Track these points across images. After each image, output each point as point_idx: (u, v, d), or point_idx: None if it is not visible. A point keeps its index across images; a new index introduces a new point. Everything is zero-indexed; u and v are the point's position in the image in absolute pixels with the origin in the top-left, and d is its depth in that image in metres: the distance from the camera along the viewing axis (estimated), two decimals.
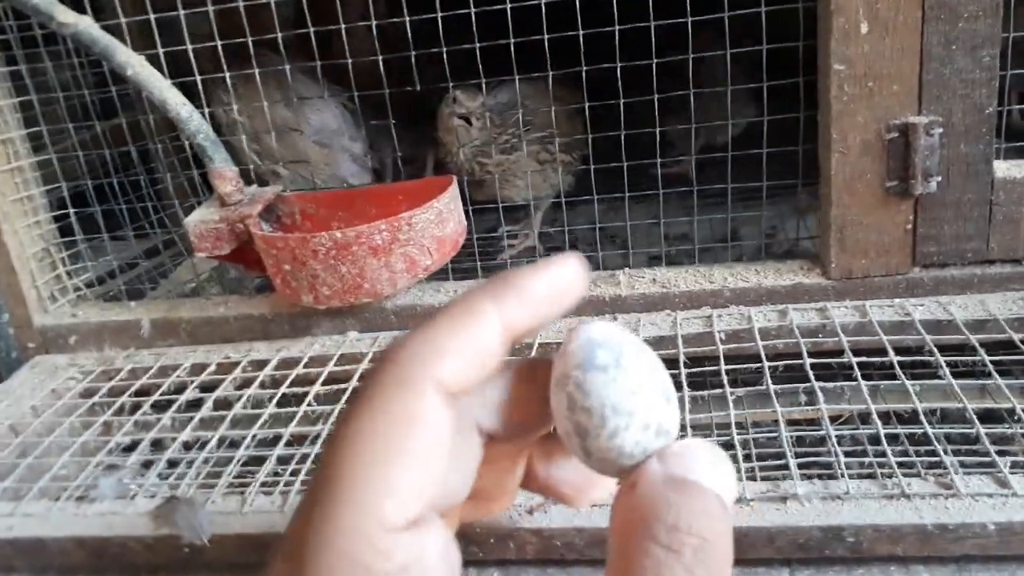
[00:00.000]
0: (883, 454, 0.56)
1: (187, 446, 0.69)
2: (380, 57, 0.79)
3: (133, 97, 0.97)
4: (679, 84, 0.77)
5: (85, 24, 0.74)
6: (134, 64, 0.75)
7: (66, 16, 0.73)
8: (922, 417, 0.58)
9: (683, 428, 0.60)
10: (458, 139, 0.95)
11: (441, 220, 0.76)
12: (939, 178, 0.70)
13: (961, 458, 0.57)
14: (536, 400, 0.30)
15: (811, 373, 0.64)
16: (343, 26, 0.79)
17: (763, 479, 0.56)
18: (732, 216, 0.83)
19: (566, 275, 0.30)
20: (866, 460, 0.60)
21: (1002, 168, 0.70)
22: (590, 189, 0.84)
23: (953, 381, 0.61)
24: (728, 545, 0.25)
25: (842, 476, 0.54)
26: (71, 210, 0.90)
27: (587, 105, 0.85)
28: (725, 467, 0.27)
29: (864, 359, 0.65)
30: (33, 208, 0.88)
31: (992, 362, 0.63)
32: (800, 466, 0.57)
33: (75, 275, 0.92)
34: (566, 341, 0.29)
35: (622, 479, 0.28)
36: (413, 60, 0.79)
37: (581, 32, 0.75)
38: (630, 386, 0.27)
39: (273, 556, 0.27)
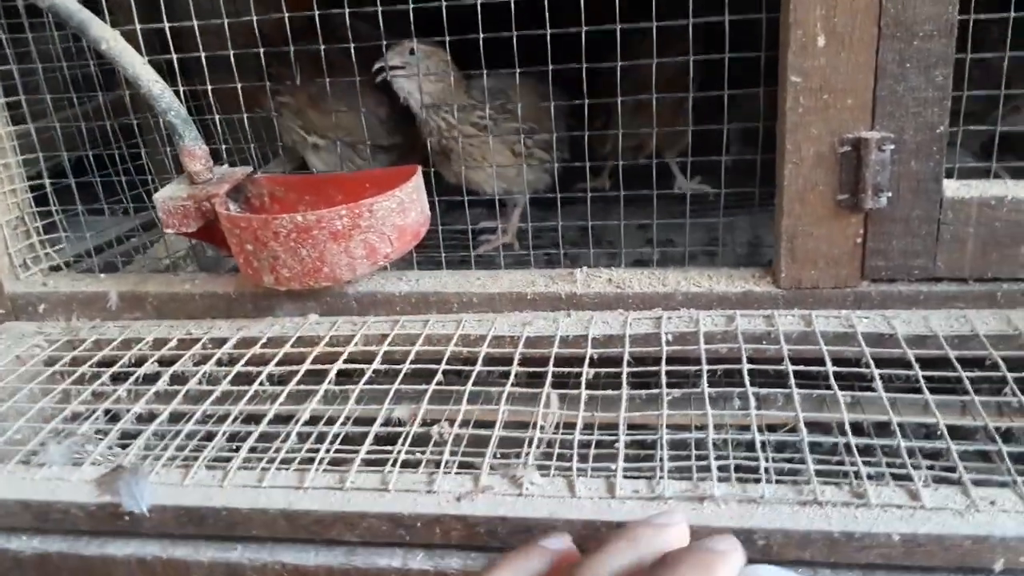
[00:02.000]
0: (803, 461, 0.57)
1: (140, 418, 0.71)
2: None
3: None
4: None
5: None
6: (108, 39, 0.76)
7: None
8: (847, 427, 0.60)
9: (617, 427, 0.62)
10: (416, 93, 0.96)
11: (403, 209, 0.77)
12: (889, 194, 0.71)
13: (879, 469, 0.58)
14: None
15: (747, 379, 0.65)
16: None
17: (685, 479, 0.57)
18: (723, 221, 0.84)
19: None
20: (787, 467, 0.61)
21: (951, 187, 0.71)
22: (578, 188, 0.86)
23: (884, 394, 0.63)
24: None
25: (761, 481, 0.55)
26: (46, 180, 0.92)
27: (585, 103, 0.87)
28: None
29: (802, 368, 0.67)
30: (9, 176, 0.89)
31: (925, 378, 0.64)
32: (723, 468, 0.59)
33: (50, 245, 0.94)
34: None
35: None
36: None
37: (555, 30, 0.76)
38: None
39: None
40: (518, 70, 0.80)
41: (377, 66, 0.96)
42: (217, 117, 0.88)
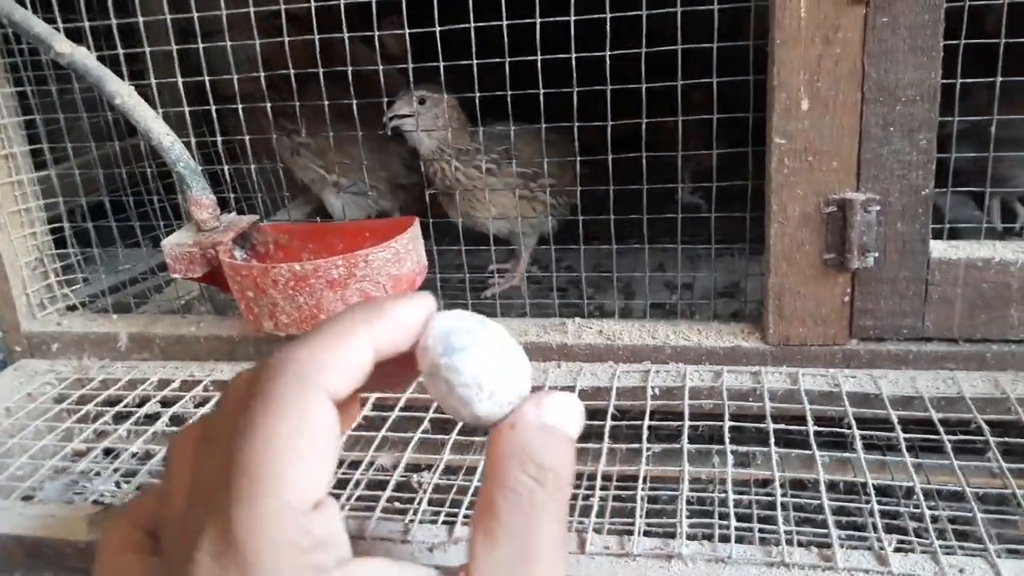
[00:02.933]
0: (773, 520, 0.57)
1: (135, 457, 0.73)
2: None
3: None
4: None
5: (81, 55, 0.80)
6: (123, 93, 0.80)
7: (63, 46, 0.79)
8: (822, 487, 0.60)
9: (595, 479, 0.63)
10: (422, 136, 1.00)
11: (398, 259, 0.80)
12: (876, 254, 0.71)
13: (850, 531, 0.58)
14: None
15: (727, 437, 0.66)
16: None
17: (656, 535, 0.57)
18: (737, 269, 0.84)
19: (420, 304, 0.36)
20: (755, 527, 0.61)
21: (939, 248, 0.72)
22: (596, 234, 0.87)
23: (862, 455, 0.63)
24: (571, 472, 0.33)
25: (730, 540, 0.56)
26: (65, 224, 0.96)
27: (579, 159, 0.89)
28: (578, 413, 0.35)
29: (783, 427, 0.67)
30: (30, 220, 0.93)
31: (909, 439, 0.64)
32: (698, 526, 0.59)
33: (67, 285, 0.97)
34: (422, 339, 0.35)
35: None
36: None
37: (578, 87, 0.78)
38: (490, 353, 0.33)
39: (178, 545, 0.30)
40: (543, 125, 0.82)
41: (386, 118, 0.99)
42: (226, 167, 0.91)
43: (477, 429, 0.71)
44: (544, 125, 0.83)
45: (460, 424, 0.71)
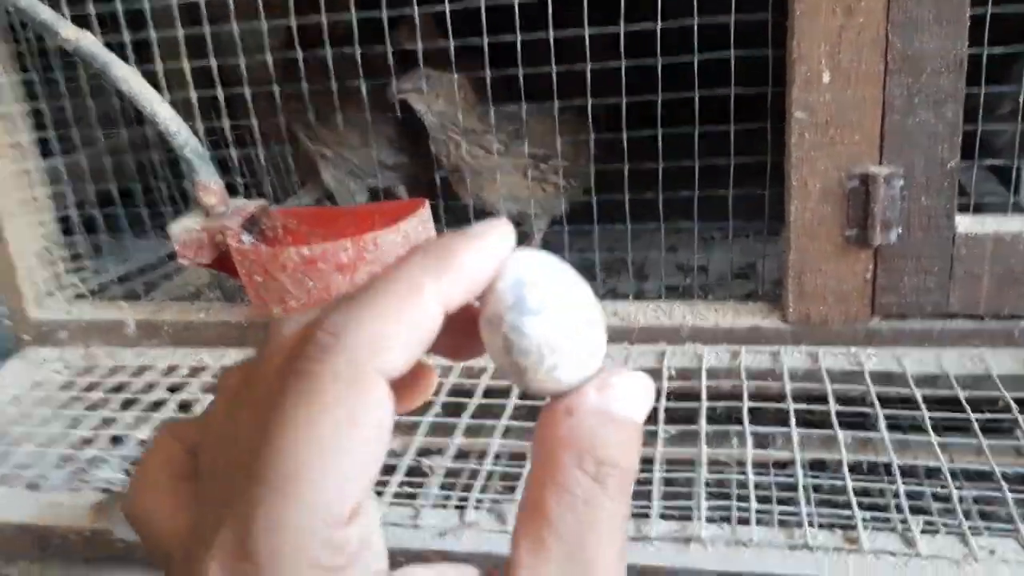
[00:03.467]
0: (794, 502, 0.55)
1: (143, 444, 0.72)
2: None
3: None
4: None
5: (87, 41, 0.79)
6: (129, 79, 0.79)
7: (68, 32, 0.78)
8: (844, 468, 0.58)
9: None
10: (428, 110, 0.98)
11: (408, 242, 0.78)
12: (899, 229, 0.69)
13: (878, 513, 0.56)
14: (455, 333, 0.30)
15: (746, 417, 0.64)
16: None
17: (675, 519, 0.56)
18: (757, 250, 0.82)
19: (498, 245, 0.29)
20: (774, 508, 0.59)
21: (964, 223, 0.70)
22: (611, 215, 0.86)
23: (886, 434, 0.61)
24: (637, 467, 0.28)
25: (751, 523, 0.54)
26: (73, 212, 0.95)
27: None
28: (647, 396, 0.28)
29: (804, 406, 0.65)
30: (37, 208, 0.92)
31: (934, 419, 0.62)
32: (717, 508, 0.57)
33: (74, 273, 0.96)
34: (496, 278, 0.28)
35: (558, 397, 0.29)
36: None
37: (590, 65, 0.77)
38: (564, 323, 0.28)
39: (193, 555, 0.26)
40: (556, 103, 0.80)
41: (392, 90, 0.97)
42: (234, 152, 0.90)
43: (486, 416, 0.70)
44: (557, 103, 0.81)
45: (471, 409, 0.70)
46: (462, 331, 0.30)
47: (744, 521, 0.55)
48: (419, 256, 0.27)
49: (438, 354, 0.31)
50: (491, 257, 0.28)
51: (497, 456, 0.64)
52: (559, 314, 0.28)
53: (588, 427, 0.27)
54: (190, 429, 0.30)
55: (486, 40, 0.78)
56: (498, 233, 0.28)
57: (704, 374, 0.71)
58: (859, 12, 0.65)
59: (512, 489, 0.63)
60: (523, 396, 0.71)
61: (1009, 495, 0.55)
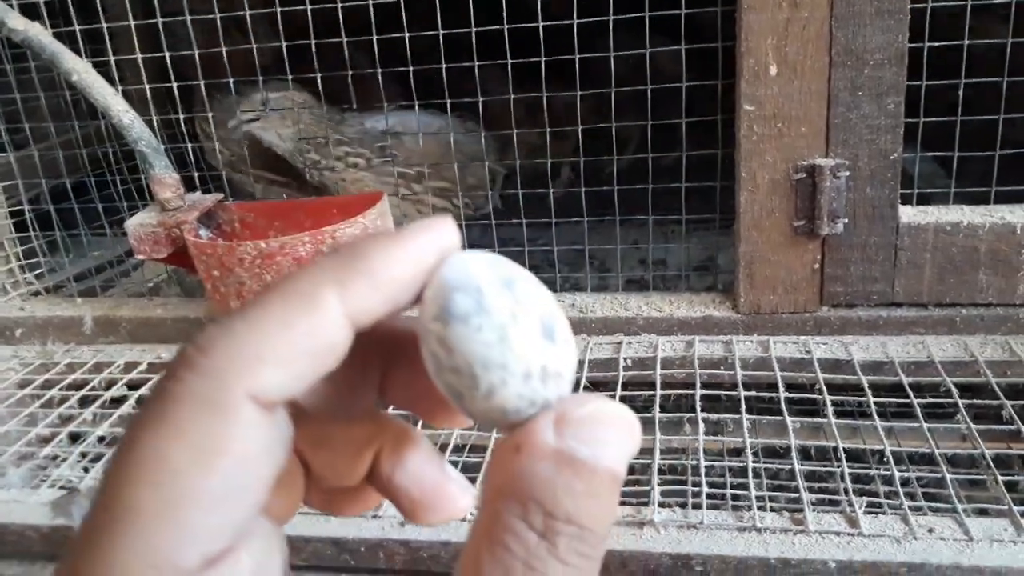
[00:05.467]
0: (746, 487, 0.57)
1: (102, 440, 0.72)
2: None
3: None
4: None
5: (35, 31, 0.78)
6: (79, 70, 0.78)
7: (16, 22, 0.77)
8: (794, 453, 0.60)
9: None
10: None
11: (367, 235, 0.78)
12: (845, 220, 0.71)
13: (824, 496, 0.58)
14: (352, 366, 0.24)
15: (699, 405, 0.65)
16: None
17: (628, 504, 0.57)
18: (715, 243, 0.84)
19: (426, 246, 0.24)
20: (727, 492, 0.61)
21: (908, 213, 0.72)
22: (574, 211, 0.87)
23: (833, 420, 0.63)
24: (608, 524, 0.22)
25: (702, 507, 0.56)
26: (26, 207, 0.94)
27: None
28: (632, 440, 0.23)
29: (755, 394, 0.67)
30: None
31: (879, 403, 0.65)
32: (670, 494, 0.59)
33: (30, 270, 0.95)
34: (426, 287, 0.24)
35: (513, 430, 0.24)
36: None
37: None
38: (505, 335, 0.22)
39: None
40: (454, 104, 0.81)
41: (231, 124, 0.96)
42: (190, 145, 0.90)
43: None
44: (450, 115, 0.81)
45: None
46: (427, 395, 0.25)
47: (697, 507, 0.56)
48: (324, 260, 0.23)
49: (414, 412, 0.28)
50: (413, 260, 0.23)
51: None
52: (497, 323, 0.22)
53: (537, 471, 0.22)
54: None
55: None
56: (429, 233, 0.24)
57: (659, 363, 0.72)
58: (804, 6, 0.67)
59: (475, 480, 0.64)
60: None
61: (949, 477, 0.57)
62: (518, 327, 0.22)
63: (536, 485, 0.21)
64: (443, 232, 0.24)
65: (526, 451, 0.22)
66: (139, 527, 0.20)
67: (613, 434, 0.22)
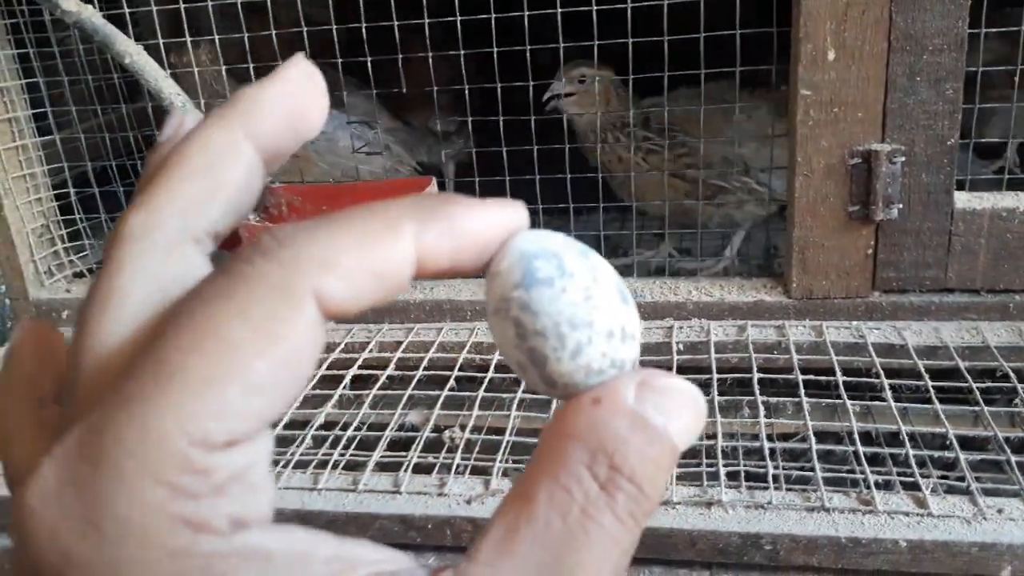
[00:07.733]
0: (812, 469, 0.57)
1: None
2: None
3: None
4: None
5: (88, 13, 0.78)
6: (132, 52, 0.78)
7: (69, 4, 0.77)
8: (856, 436, 0.60)
9: None
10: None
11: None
12: (900, 205, 0.71)
13: (888, 478, 0.58)
14: None
15: (757, 388, 0.66)
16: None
17: (694, 485, 0.58)
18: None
19: (502, 216, 0.24)
20: (795, 475, 0.61)
21: (962, 199, 0.72)
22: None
23: (893, 404, 0.63)
24: (661, 495, 0.22)
25: (769, 487, 0.56)
26: (71, 189, 0.94)
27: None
28: (698, 423, 0.23)
29: (813, 377, 0.67)
30: (35, 186, 0.92)
31: (936, 388, 0.65)
32: (732, 475, 0.59)
33: (74, 252, 0.96)
34: (495, 263, 0.24)
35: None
36: None
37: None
38: (583, 293, 0.23)
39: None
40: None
41: (547, 96, 0.95)
42: None
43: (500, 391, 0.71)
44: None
45: (488, 380, 0.71)
46: None
47: (763, 487, 0.57)
48: (409, 200, 0.23)
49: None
50: (491, 224, 0.24)
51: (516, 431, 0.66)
52: (581, 284, 0.23)
53: (613, 425, 0.22)
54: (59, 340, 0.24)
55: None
56: (505, 208, 0.24)
57: (712, 347, 0.73)
58: None
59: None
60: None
61: (1012, 459, 0.57)
62: (599, 288, 0.23)
63: (608, 437, 0.22)
64: (517, 209, 0.24)
65: (606, 404, 0.22)
66: (184, 393, 0.20)
67: (686, 412, 0.23)
